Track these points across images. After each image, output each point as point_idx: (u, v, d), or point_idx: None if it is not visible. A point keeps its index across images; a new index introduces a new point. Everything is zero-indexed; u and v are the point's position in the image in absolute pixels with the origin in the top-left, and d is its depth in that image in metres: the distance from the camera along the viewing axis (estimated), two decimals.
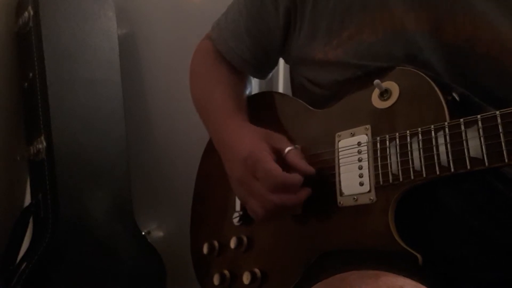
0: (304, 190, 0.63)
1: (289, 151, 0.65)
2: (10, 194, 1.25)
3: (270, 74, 0.88)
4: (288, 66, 0.84)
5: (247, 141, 0.67)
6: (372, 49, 0.64)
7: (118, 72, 1.29)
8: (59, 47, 1.18)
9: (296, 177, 0.62)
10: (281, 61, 0.86)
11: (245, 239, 0.72)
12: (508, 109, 0.48)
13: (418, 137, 0.55)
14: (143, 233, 1.32)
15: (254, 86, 0.90)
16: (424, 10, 0.62)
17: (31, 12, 1.16)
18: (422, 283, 0.48)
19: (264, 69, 0.85)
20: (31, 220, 1.17)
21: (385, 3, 0.64)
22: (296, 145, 0.69)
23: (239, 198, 0.70)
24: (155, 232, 1.38)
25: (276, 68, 0.87)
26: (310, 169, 0.64)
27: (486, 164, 0.49)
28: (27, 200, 1.26)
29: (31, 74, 1.17)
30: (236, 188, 0.69)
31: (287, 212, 0.65)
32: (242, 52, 0.80)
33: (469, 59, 0.60)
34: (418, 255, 0.52)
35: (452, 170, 0.51)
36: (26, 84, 1.20)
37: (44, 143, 1.13)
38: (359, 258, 0.56)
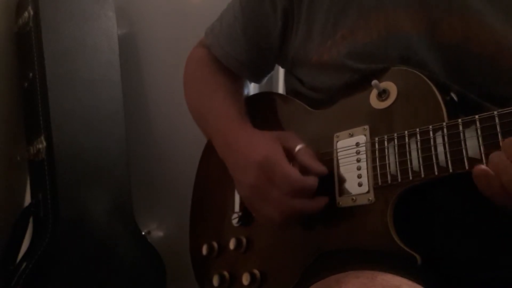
0: (323, 198, 0.61)
1: (299, 149, 0.63)
2: (10, 194, 1.25)
3: (265, 79, 0.87)
4: None
5: (261, 145, 0.64)
6: (366, 49, 0.64)
7: (118, 72, 1.29)
8: (59, 47, 1.18)
9: (312, 181, 0.60)
10: None
11: (244, 240, 0.72)
12: (506, 109, 0.48)
13: (416, 138, 0.55)
14: (143, 233, 1.32)
15: (253, 90, 0.89)
16: (420, 10, 0.62)
17: (31, 12, 1.16)
18: (420, 284, 0.48)
19: (260, 72, 0.85)
20: (31, 220, 1.17)
21: (380, 4, 0.64)
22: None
23: (249, 206, 0.67)
24: (155, 232, 1.38)
25: (275, 71, 0.87)
26: (323, 169, 0.62)
27: (484, 164, 0.49)
28: (27, 200, 1.26)
29: (31, 74, 1.17)
30: (246, 195, 0.66)
31: (302, 217, 0.63)
32: (238, 54, 0.79)
33: (465, 59, 0.60)
34: (417, 255, 0.52)
35: (451, 170, 0.51)
36: (26, 84, 1.19)
37: (44, 143, 1.13)
38: (357, 258, 0.56)
